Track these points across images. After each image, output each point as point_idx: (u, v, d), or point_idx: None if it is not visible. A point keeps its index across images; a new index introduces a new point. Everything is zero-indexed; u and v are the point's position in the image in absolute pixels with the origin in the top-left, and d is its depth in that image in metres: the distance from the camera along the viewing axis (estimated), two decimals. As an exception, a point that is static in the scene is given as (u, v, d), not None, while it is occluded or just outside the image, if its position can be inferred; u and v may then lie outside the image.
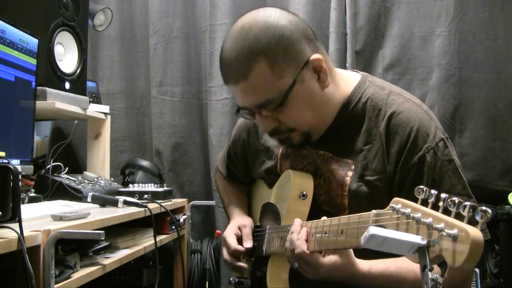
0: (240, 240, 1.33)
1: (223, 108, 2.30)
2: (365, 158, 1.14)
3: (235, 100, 1.18)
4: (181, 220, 1.91)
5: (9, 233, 0.88)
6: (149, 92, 2.41)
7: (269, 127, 1.14)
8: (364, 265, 1.05)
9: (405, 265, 1.06)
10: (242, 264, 1.31)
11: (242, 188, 1.54)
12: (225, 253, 1.34)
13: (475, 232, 0.62)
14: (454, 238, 0.63)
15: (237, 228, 1.36)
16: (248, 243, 1.30)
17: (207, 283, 2.11)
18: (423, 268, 0.66)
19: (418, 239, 0.67)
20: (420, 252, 0.67)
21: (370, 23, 2.22)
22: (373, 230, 0.67)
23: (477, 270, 1.92)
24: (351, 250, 1.02)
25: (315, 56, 1.11)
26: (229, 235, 1.34)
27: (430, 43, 2.20)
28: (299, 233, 1.06)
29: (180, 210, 2.00)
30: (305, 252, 1.03)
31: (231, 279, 1.35)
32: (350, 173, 1.15)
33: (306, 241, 1.04)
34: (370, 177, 1.13)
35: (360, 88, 1.20)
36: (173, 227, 1.83)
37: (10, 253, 0.87)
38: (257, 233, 1.32)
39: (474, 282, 1.92)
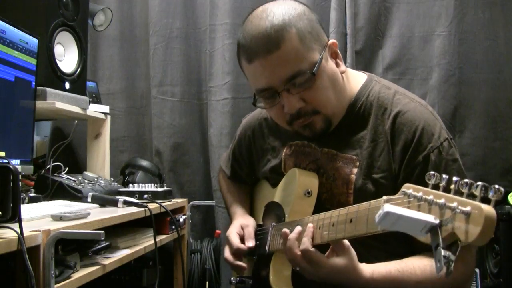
0: (242, 239, 1.33)
1: (223, 108, 2.30)
2: (370, 156, 1.15)
3: (257, 82, 1.12)
4: (181, 220, 1.91)
5: (9, 233, 0.88)
6: (149, 92, 2.41)
7: (295, 107, 1.11)
8: (367, 270, 1.04)
9: (407, 269, 1.06)
10: (242, 263, 1.31)
11: (245, 188, 1.55)
12: (226, 252, 1.34)
13: (489, 209, 0.63)
14: (468, 215, 0.64)
15: (240, 228, 1.36)
16: (251, 242, 1.31)
17: (207, 283, 2.11)
18: (436, 247, 0.67)
19: (431, 218, 0.68)
20: (433, 232, 0.68)
21: (370, 23, 2.22)
22: (388, 207, 0.68)
23: (477, 270, 1.92)
24: (355, 255, 1.02)
25: (332, 40, 1.16)
26: (232, 234, 1.34)
27: (430, 43, 2.20)
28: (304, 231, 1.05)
29: (180, 210, 2.00)
30: (310, 250, 1.02)
31: (232, 278, 1.35)
32: (355, 170, 1.16)
33: (312, 238, 1.04)
34: (375, 175, 1.14)
35: (367, 86, 1.22)
36: (173, 227, 1.83)
37: (10, 253, 0.87)
38: (260, 232, 1.33)
39: (474, 282, 1.92)
